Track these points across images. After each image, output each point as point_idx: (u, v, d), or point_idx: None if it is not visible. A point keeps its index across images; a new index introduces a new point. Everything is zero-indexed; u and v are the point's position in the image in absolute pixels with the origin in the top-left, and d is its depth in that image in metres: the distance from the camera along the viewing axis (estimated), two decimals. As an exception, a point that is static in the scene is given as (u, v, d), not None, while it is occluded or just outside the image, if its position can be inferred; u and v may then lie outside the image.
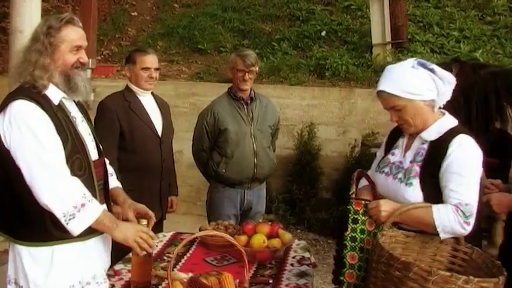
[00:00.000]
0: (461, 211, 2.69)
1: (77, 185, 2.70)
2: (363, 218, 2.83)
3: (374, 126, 7.88)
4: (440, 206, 2.73)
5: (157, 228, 4.13)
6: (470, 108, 5.20)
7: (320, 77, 8.90)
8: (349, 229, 2.82)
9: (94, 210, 2.70)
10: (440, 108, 2.95)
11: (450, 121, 2.94)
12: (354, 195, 2.91)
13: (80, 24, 2.90)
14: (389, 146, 3.16)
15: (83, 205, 2.66)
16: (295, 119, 8.09)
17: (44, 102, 2.74)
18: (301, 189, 7.64)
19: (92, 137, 3.00)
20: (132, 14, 11.23)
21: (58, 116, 2.76)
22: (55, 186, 2.63)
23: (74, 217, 2.63)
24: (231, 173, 4.76)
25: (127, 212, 3.10)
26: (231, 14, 10.83)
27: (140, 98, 4.46)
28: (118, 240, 2.79)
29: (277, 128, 5.13)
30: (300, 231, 7.51)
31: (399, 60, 8.84)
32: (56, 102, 2.81)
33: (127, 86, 4.49)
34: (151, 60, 4.46)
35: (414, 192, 2.83)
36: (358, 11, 10.56)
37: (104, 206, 2.90)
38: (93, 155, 2.93)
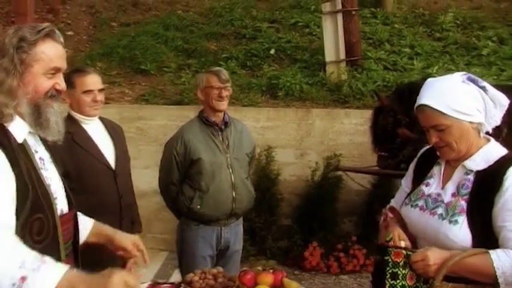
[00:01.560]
0: None
1: (9, 252, 1.96)
2: (403, 271, 2.36)
3: (334, 148, 7.51)
4: (499, 251, 2.32)
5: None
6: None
7: (273, 97, 8.50)
8: (387, 286, 2.35)
9: (45, 279, 1.94)
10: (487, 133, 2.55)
11: (498, 148, 2.55)
12: (392, 242, 2.44)
13: (61, 40, 2.28)
14: (420, 175, 2.74)
15: (23, 279, 1.92)
16: (251, 142, 7.62)
17: (4, 141, 2.10)
18: (261, 216, 7.15)
19: (62, 183, 2.38)
20: (68, 33, 10.56)
21: (20, 161, 2.11)
22: None
23: None
24: (207, 209, 4.26)
25: (123, 241, 2.59)
26: (174, 32, 10.33)
27: (85, 126, 3.83)
28: None
29: (253, 155, 4.67)
30: (262, 263, 7.03)
31: (354, 78, 8.69)
32: (19, 140, 2.17)
33: (68, 114, 3.78)
34: (93, 80, 3.86)
35: (461, 232, 2.41)
36: (306, 28, 10.26)
37: (66, 268, 2.01)
38: (63, 207, 2.31)
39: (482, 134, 2.54)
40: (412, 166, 2.83)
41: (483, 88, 2.48)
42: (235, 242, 4.52)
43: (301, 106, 8.15)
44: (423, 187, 2.65)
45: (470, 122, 2.46)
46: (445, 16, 10.43)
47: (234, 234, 4.50)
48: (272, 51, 9.65)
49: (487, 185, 2.43)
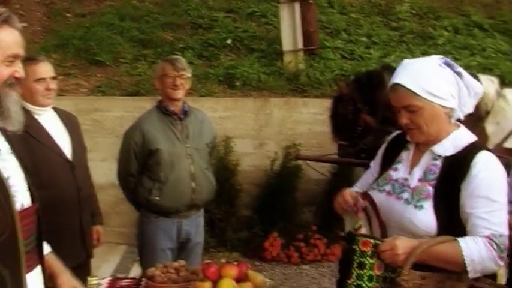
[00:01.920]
0: (496, 244, 2.26)
1: None
2: (371, 261, 2.29)
3: (292, 137, 7.46)
4: (468, 239, 2.28)
5: (83, 271, 3.43)
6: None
7: (231, 87, 8.39)
8: (353, 276, 2.29)
9: None
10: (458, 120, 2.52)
11: (467, 135, 2.51)
12: (359, 230, 2.39)
13: (19, 25, 2.15)
14: (388, 159, 2.70)
15: None
16: (209, 133, 7.52)
17: None
18: (220, 208, 7.07)
19: (24, 175, 2.23)
20: (21, 24, 10.31)
21: None
22: None
23: None
24: (166, 200, 4.17)
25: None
26: (129, 23, 10.12)
27: (38, 117, 3.67)
28: None
29: (214, 145, 4.59)
30: (222, 254, 6.97)
31: (312, 67, 8.66)
32: None
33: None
34: (45, 69, 3.71)
35: (426, 217, 2.37)
36: (263, 17, 10.13)
37: None
38: (24, 201, 2.17)
39: (453, 120, 2.50)
40: (380, 151, 2.80)
41: (459, 74, 2.45)
42: (196, 234, 4.44)
43: (259, 96, 8.08)
44: (391, 172, 2.61)
45: (443, 106, 2.43)
46: (401, 6, 10.43)
47: (195, 226, 4.42)
48: (229, 41, 9.53)
49: (455, 171, 2.40)
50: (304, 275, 6.47)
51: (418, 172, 2.51)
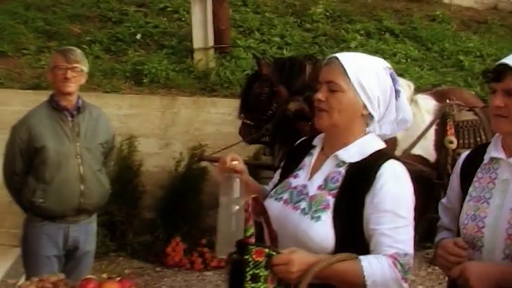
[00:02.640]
0: (400, 264, 2.07)
1: None
2: (265, 272, 2.01)
3: (200, 138, 7.21)
4: (371, 258, 2.07)
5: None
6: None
7: (138, 83, 8.06)
8: None
9: None
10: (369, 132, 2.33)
11: (375, 141, 2.30)
12: (253, 239, 2.10)
13: None
14: (290, 165, 2.46)
15: None
16: (112, 131, 7.16)
17: None
18: (122, 210, 6.74)
19: None
20: None
21: None
22: None
23: None
24: (50, 203, 3.84)
25: None
26: (35, 12, 9.64)
27: None
28: None
29: (112, 146, 4.30)
30: (122, 259, 6.65)
31: (222, 66, 8.45)
32: None
33: None
34: None
35: (323, 230, 2.14)
36: (175, 13, 9.86)
37: None
38: None
39: (364, 126, 2.31)
40: (277, 159, 2.60)
41: (397, 92, 2.29)
42: (85, 242, 4.13)
43: (166, 94, 7.78)
44: (291, 179, 2.38)
45: (364, 106, 2.24)
46: (316, 7, 10.35)
47: (85, 233, 4.11)
48: (138, 36, 9.21)
49: (359, 180, 2.18)
50: (207, 282, 6.21)
51: (318, 179, 2.28)
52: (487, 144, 2.42)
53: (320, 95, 2.25)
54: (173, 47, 8.93)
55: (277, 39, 9.36)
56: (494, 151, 2.31)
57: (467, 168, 2.40)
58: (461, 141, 4.93)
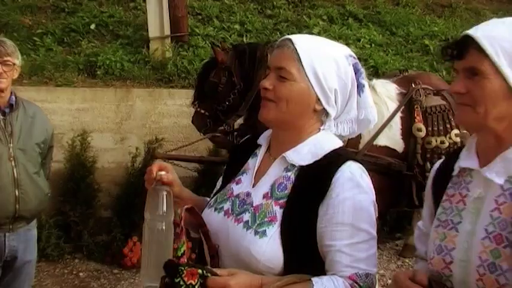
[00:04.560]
0: (360, 287, 1.77)
1: None
2: None
3: (157, 131, 6.89)
4: (325, 280, 1.77)
5: None
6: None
7: (91, 76, 7.67)
8: None
9: None
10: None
11: (330, 139, 1.97)
12: (185, 257, 1.82)
13: None
14: (233, 169, 2.13)
15: None
16: (64, 127, 6.75)
17: None
18: (76, 209, 6.38)
19: None
20: None
21: None
22: None
23: None
24: (-18, 210, 3.46)
25: None
26: (-17, 3, 9.22)
27: None
28: None
29: (50, 145, 3.94)
30: (78, 261, 6.30)
31: (180, 55, 8.09)
32: None
33: None
34: None
35: (268, 247, 1.82)
36: (131, 2, 9.49)
37: None
38: None
39: (318, 123, 1.99)
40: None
41: (360, 86, 1.96)
42: (25, 251, 3.80)
43: (121, 86, 7.40)
44: (233, 185, 2.05)
45: (318, 99, 1.91)
46: (277, -7, 10.08)
47: (24, 241, 3.78)
48: (92, 26, 8.81)
49: (311, 187, 1.86)
50: (166, 283, 5.92)
51: (264, 186, 1.96)
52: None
53: (267, 83, 1.93)
54: (129, 37, 8.56)
55: (237, 26, 9.04)
56: (466, 158, 1.77)
57: (439, 181, 1.87)
58: (430, 129, 4.63)
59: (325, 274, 1.83)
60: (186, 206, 1.95)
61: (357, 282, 1.78)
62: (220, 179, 2.21)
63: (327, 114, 1.97)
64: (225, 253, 1.94)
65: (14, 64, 3.62)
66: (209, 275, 1.73)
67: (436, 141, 4.56)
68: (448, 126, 4.63)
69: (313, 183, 1.86)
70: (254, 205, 1.92)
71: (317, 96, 1.91)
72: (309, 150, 1.93)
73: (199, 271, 1.73)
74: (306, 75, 1.89)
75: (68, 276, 5.98)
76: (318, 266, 1.84)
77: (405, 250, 6.39)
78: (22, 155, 3.64)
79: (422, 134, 4.59)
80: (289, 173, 1.93)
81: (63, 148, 6.58)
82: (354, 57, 2.00)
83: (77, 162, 6.49)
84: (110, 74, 7.64)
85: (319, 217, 1.83)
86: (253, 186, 1.99)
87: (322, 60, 1.91)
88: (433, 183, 1.90)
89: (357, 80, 1.97)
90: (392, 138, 4.60)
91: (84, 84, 7.47)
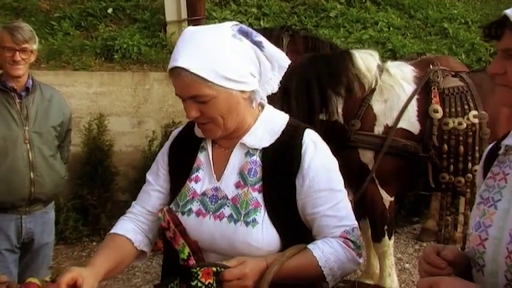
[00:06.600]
0: (351, 241, 1.90)
1: None
2: None
3: (174, 115, 6.92)
4: (320, 244, 1.88)
5: None
6: (289, 101, 4.37)
7: (109, 60, 7.69)
8: None
9: None
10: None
11: (277, 114, 2.02)
12: (192, 259, 1.85)
13: None
14: (178, 167, 2.07)
15: None
16: (81, 111, 6.79)
17: None
18: (94, 193, 6.43)
19: None
20: None
21: None
22: None
23: None
24: (-2, 193, 3.48)
25: None
26: (2, -11, 9.24)
27: None
28: None
29: (68, 128, 3.94)
30: (96, 244, 6.34)
31: (197, 39, 8.06)
32: None
33: None
34: None
35: (264, 233, 1.86)
36: (148, -15, 9.49)
37: None
38: None
39: (255, 104, 1.98)
40: (163, 157, 2.15)
41: (258, 44, 1.90)
42: (42, 234, 3.82)
43: (138, 70, 7.43)
44: (191, 184, 2.01)
45: (242, 92, 1.89)
46: (295, -24, 10.01)
47: (41, 224, 3.79)
48: (110, 10, 8.82)
49: (282, 164, 1.90)
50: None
51: (230, 176, 1.96)
52: None
53: (193, 113, 1.88)
54: (146, 21, 8.56)
55: (254, 10, 9.03)
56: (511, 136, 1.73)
57: (489, 160, 1.82)
58: (447, 110, 4.55)
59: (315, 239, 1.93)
60: (166, 208, 1.97)
61: (348, 238, 1.90)
62: (151, 177, 2.17)
63: (254, 91, 1.96)
64: (213, 251, 1.94)
65: (32, 51, 3.62)
66: (222, 269, 1.76)
67: (454, 122, 4.48)
68: (466, 107, 4.55)
69: (283, 159, 1.91)
70: (230, 197, 1.93)
71: (240, 90, 1.89)
72: (263, 130, 1.97)
73: (213, 269, 1.76)
74: (219, 85, 1.84)
75: (86, 259, 6.02)
76: (309, 234, 1.95)
77: (423, 234, 6.38)
78: (38, 138, 3.65)
79: (439, 115, 4.51)
80: (254, 157, 1.95)
81: (81, 132, 6.61)
82: (236, 24, 1.94)
83: (94, 146, 6.51)
84: (127, 58, 7.64)
85: (297, 190, 1.90)
86: (218, 180, 1.98)
87: (220, 60, 1.83)
88: (484, 163, 1.86)
89: (252, 42, 1.91)
90: (408, 120, 4.52)
91: (101, 68, 7.49)
